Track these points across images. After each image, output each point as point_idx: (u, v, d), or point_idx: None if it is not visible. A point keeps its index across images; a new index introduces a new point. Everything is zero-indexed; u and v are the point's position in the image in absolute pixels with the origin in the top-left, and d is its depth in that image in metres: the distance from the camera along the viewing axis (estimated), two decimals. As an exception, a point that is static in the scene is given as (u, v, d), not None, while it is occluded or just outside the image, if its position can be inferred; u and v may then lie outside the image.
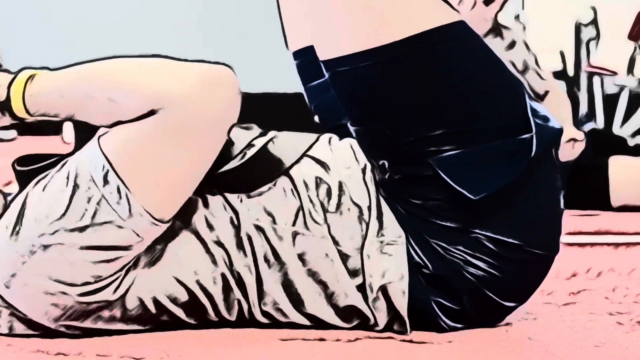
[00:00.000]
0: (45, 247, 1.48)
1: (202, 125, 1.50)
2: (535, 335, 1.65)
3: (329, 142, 1.71)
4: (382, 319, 1.61)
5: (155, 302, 1.56)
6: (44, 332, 1.55)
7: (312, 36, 1.66)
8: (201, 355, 1.46)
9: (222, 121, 1.52)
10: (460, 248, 1.60)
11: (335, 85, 1.63)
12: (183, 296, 1.57)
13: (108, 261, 1.50)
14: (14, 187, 1.66)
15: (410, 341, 1.59)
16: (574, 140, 3.52)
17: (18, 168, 1.62)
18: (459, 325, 1.64)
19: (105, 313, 1.54)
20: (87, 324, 1.54)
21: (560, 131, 1.66)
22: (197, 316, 1.60)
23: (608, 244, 2.74)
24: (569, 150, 3.51)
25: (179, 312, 1.58)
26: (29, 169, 1.61)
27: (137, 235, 1.51)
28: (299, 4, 1.65)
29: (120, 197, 1.48)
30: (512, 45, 3.54)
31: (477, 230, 1.59)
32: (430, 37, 1.56)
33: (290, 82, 1.78)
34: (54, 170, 1.54)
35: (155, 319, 1.58)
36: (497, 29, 3.56)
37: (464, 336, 1.61)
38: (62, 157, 1.61)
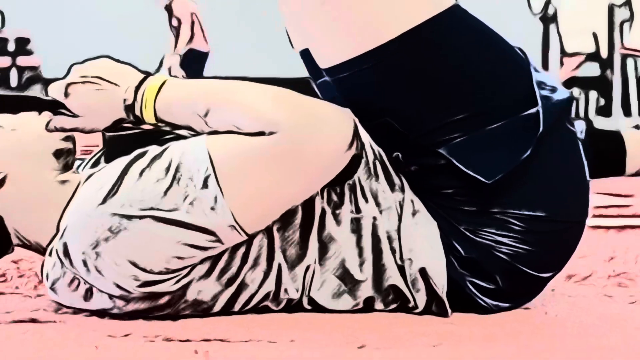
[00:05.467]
0: (131, 229, 1.50)
1: (310, 159, 1.51)
2: (574, 318, 1.65)
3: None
4: (422, 300, 1.63)
5: (214, 296, 1.58)
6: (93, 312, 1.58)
7: (308, 45, 1.67)
8: (245, 337, 1.48)
9: (331, 161, 1.54)
10: (488, 229, 1.60)
11: (339, 90, 1.64)
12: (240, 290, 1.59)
13: (182, 258, 1.52)
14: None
15: (451, 324, 1.60)
16: None
17: (107, 133, 1.64)
18: (500, 304, 1.64)
19: (162, 301, 1.56)
20: (140, 306, 1.56)
21: (568, 99, 1.66)
22: (242, 307, 1.61)
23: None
24: None
25: (229, 302, 1.60)
26: (118, 135, 1.62)
27: (219, 240, 1.52)
28: (291, 15, 1.66)
29: (215, 204, 1.49)
30: None
31: (500, 210, 1.60)
32: (425, 30, 1.57)
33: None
34: (152, 152, 1.55)
35: (208, 309, 1.59)
36: None
37: (502, 319, 1.62)
38: (153, 133, 1.62)
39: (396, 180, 1.64)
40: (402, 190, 1.63)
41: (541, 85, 1.63)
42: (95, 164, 1.69)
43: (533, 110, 1.60)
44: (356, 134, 1.54)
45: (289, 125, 1.49)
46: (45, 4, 9.03)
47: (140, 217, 1.50)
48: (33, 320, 1.58)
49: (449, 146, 1.59)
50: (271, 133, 1.50)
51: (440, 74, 1.59)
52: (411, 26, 1.57)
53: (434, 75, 1.59)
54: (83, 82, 1.59)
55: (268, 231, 1.58)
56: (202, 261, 1.55)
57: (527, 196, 1.61)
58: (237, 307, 1.61)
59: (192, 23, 8.49)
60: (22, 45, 9.59)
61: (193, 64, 8.19)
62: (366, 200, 1.62)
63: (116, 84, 1.59)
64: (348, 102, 1.62)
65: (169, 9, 8.60)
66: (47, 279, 1.60)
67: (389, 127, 1.61)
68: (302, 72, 1.76)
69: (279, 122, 1.49)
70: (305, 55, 1.70)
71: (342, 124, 1.54)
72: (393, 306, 1.64)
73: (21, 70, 9.58)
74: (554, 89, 1.65)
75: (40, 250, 1.63)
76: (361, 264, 1.61)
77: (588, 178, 1.68)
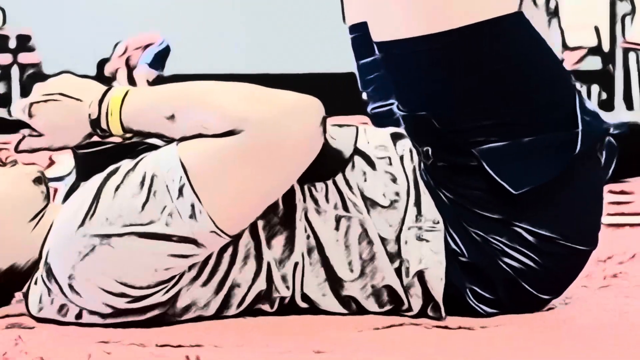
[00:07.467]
0: (114, 248, 1.49)
1: (282, 152, 1.50)
2: (571, 319, 1.65)
3: (365, 131, 1.71)
4: (417, 304, 1.62)
5: (206, 300, 1.58)
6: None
7: (367, 15, 1.66)
8: (237, 342, 1.48)
9: (302, 151, 1.53)
10: (499, 239, 1.60)
11: (387, 66, 1.64)
12: (232, 294, 1.59)
13: (169, 269, 1.52)
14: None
15: (446, 327, 1.59)
16: None
17: (78, 151, 1.63)
18: (496, 311, 1.64)
19: (154, 312, 1.55)
20: (131, 318, 1.56)
21: (607, 130, 1.65)
22: (235, 309, 1.61)
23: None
24: None
25: (224, 306, 1.59)
26: (89, 152, 1.61)
27: (204, 246, 1.52)
28: None
29: (193, 211, 1.48)
30: None
31: (517, 223, 1.60)
32: (487, 27, 1.56)
33: (338, 63, 1.79)
34: (125, 167, 1.53)
35: (202, 313, 1.59)
36: None
37: (499, 321, 1.61)
38: (124, 146, 1.61)
39: (402, 181, 1.63)
40: (408, 192, 1.63)
41: (584, 109, 1.62)
42: (70, 193, 1.66)
43: (573, 131, 1.59)
44: (325, 121, 1.53)
45: (257, 120, 1.48)
46: (46, 1, 9.03)
47: (122, 235, 1.49)
48: (25, 327, 1.57)
49: (482, 149, 1.58)
50: (240, 131, 1.49)
51: (492, 74, 1.58)
52: (477, 20, 1.56)
53: (485, 73, 1.58)
54: (46, 101, 1.58)
55: (253, 230, 1.58)
56: (189, 267, 1.55)
57: (546, 216, 1.61)
58: (230, 310, 1.60)
59: (129, 68, 8.65)
60: (24, 43, 9.60)
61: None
62: (355, 200, 1.61)
63: (79, 99, 1.58)
64: (394, 82, 1.62)
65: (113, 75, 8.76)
66: (34, 308, 1.58)
67: (425, 120, 1.60)
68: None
69: (247, 119, 1.48)
70: (356, 29, 1.68)
71: (311, 112, 1.52)
72: (387, 308, 1.63)
73: (22, 67, 9.60)
74: (595, 115, 1.64)
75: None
76: (349, 263, 1.60)
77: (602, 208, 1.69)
